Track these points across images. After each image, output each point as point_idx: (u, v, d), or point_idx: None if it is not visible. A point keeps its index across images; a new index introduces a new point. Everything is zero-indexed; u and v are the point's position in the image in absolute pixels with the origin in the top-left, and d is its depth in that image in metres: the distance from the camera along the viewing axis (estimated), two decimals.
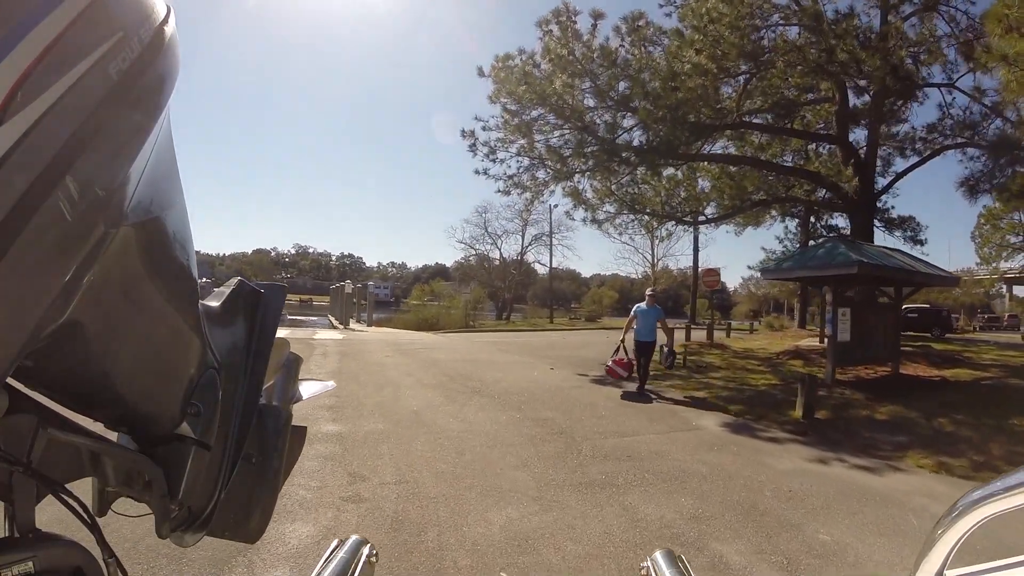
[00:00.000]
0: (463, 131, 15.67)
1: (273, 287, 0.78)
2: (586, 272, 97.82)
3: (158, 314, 0.53)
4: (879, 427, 6.95)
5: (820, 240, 13.15)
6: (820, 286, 11.08)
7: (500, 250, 47.28)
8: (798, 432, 6.56)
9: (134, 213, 0.43)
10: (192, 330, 0.59)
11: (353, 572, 0.72)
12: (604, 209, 17.35)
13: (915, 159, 14.82)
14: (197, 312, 0.59)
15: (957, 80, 13.56)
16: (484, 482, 4.39)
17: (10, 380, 0.40)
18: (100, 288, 0.42)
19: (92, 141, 0.37)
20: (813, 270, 9.40)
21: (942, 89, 14.08)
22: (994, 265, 28.01)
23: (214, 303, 0.70)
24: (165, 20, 0.46)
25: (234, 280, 0.75)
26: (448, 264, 76.92)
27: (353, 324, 23.89)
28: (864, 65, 10.59)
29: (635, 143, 13.11)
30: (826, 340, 10.47)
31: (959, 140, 14.33)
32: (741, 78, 14.25)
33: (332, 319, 24.01)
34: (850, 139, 15.28)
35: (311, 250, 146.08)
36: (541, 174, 15.83)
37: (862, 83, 11.59)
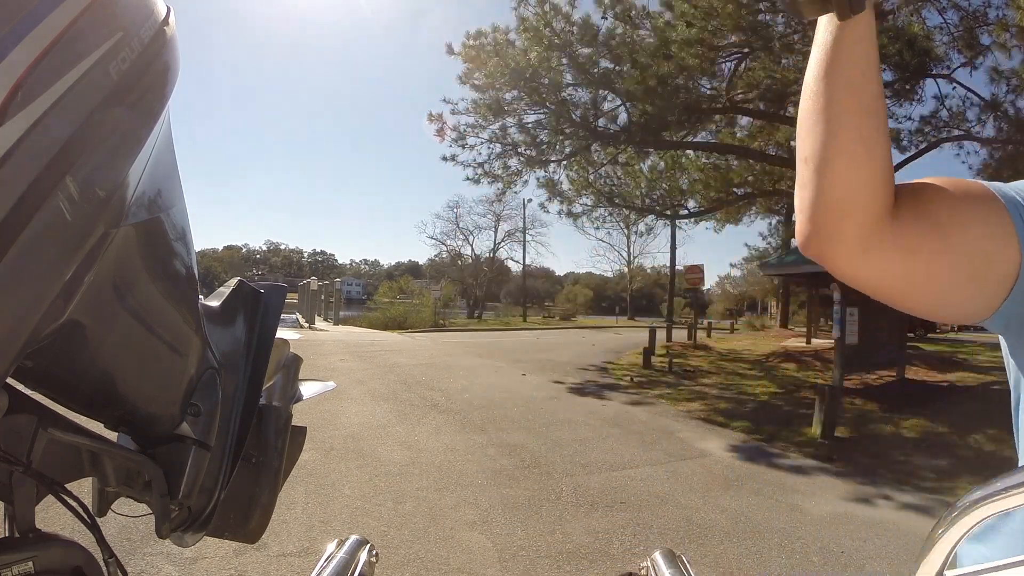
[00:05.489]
0: (430, 114, 14.30)
1: (273, 287, 0.77)
2: (560, 270, 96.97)
3: (158, 314, 0.52)
4: (912, 448, 5.86)
5: None
6: (816, 284, 10.09)
7: (472, 246, 45.62)
8: (822, 457, 5.42)
9: (134, 213, 0.43)
10: (192, 330, 0.58)
11: (353, 572, 0.66)
12: (581, 202, 16.23)
13: (912, 152, 13.99)
14: (197, 312, 0.59)
15: (955, 70, 12.74)
16: (424, 552, 3.09)
17: (10, 380, 0.39)
18: (100, 288, 0.42)
19: (92, 141, 0.37)
20: None
21: (938, 80, 13.26)
22: None
23: (214, 303, 0.69)
24: (165, 20, 0.45)
25: (234, 280, 0.74)
26: (421, 261, 75.26)
27: (319, 323, 22.46)
28: None
29: (618, 123, 11.91)
30: (832, 342, 9.46)
31: (956, 133, 13.50)
32: (732, 62, 13.23)
33: (300, 317, 22.59)
34: None
35: (283, 246, 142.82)
36: (514, 162, 14.60)
37: None
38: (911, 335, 21.75)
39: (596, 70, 11.77)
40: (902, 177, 0.58)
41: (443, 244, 45.35)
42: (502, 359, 12.52)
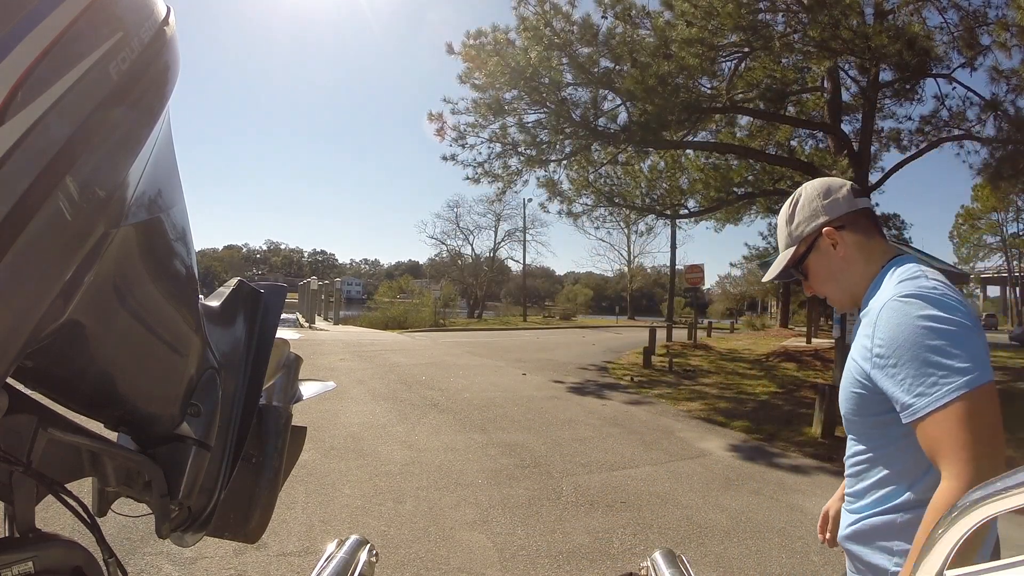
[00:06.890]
0: (430, 113, 14.28)
1: (273, 287, 0.77)
2: (560, 270, 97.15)
3: (158, 314, 0.52)
4: None
5: None
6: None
7: (472, 246, 45.58)
8: (822, 456, 5.42)
9: (134, 213, 0.43)
10: (192, 330, 0.58)
11: (353, 572, 0.68)
12: (581, 201, 16.20)
13: (912, 151, 13.98)
14: (197, 312, 0.59)
15: (955, 70, 12.72)
16: (424, 552, 3.09)
17: (10, 380, 0.39)
18: (100, 288, 0.41)
19: (92, 141, 0.37)
20: None
21: (939, 80, 13.24)
22: (971, 265, 27.77)
23: (214, 303, 0.69)
24: (165, 20, 0.45)
25: (234, 280, 0.74)
26: (421, 261, 75.26)
27: (319, 323, 22.44)
28: (872, 42, 9.55)
29: (618, 122, 11.91)
30: (832, 341, 9.46)
31: (956, 132, 13.46)
32: (732, 61, 13.22)
33: (300, 317, 22.60)
34: (842, 129, 14.41)
35: (283, 246, 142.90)
36: (514, 162, 14.59)
37: (866, 64, 10.57)
38: None
39: (596, 69, 11.76)
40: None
41: (443, 244, 45.33)
42: (502, 359, 12.52)
